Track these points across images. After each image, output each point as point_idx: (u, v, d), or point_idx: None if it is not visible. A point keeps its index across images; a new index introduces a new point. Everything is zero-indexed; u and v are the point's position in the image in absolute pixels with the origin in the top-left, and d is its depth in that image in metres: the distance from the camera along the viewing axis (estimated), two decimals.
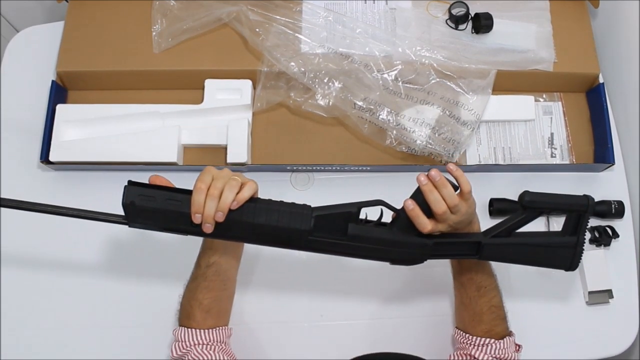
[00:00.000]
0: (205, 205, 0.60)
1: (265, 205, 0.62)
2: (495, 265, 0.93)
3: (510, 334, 0.76)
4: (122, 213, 0.62)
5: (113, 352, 0.87)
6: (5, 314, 0.88)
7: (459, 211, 0.64)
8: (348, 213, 0.64)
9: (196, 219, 0.60)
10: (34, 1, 1.19)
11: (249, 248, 0.77)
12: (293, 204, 0.64)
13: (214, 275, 0.73)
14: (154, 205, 0.61)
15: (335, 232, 0.64)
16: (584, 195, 0.66)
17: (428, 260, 0.67)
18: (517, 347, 0.77)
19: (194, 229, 0.62)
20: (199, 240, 0.74)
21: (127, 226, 0.63)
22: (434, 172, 0.63)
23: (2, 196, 0.83)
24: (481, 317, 0.75)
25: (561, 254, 0.69)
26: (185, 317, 0.74)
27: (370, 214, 0.66)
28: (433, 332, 0.88)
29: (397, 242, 0.66)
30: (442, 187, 0.63)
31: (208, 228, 0.60)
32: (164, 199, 0.61)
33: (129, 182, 0.61)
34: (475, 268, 0.75)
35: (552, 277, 0.92)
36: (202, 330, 0.73)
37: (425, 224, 0.64)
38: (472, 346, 0.74)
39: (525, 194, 0.64)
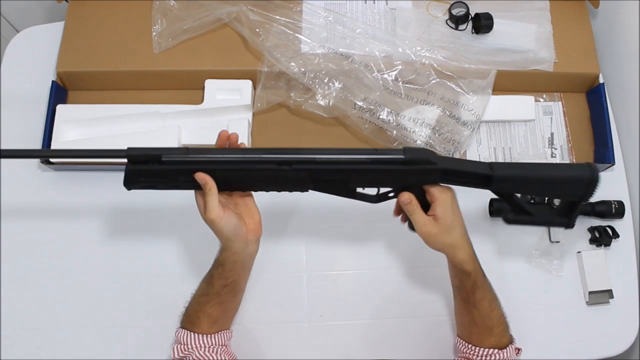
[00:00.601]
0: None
1: None
2: (495, 266, 0.93)
3: (511, 340, 0.76)
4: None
5: (113, 352, 0.87)
6: (5, 313, 0.88)
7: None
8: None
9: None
10: (34, 1, 1.19)
11: None
12: None
13: (228, 293, 0.72)
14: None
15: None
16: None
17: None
18: (518, 351, 0.77)
19: (198, 158, 0.64)
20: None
21: (126, 160, 0.65)
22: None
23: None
24: (492, 331, 0.74)
25: (576, 183, 0.69)
26: (190, 323, 0.74)
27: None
28: (432, 332, 0.88)
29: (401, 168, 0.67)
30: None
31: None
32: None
33: None
34: (482, 284, 0.73)
35: (552, 277, 0.92)
36: (204, 335, 0.73)
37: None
38: (476, 356, 0.74)
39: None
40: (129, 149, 0.63)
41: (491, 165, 0.69)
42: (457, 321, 0.81)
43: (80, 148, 0.65)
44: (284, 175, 0.65)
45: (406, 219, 0.72)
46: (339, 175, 0.67)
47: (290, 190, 0.68)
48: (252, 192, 0.71)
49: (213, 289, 0.71)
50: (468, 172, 0.69)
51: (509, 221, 0.74)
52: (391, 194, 0.71)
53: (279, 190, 0.68)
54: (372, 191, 0.70)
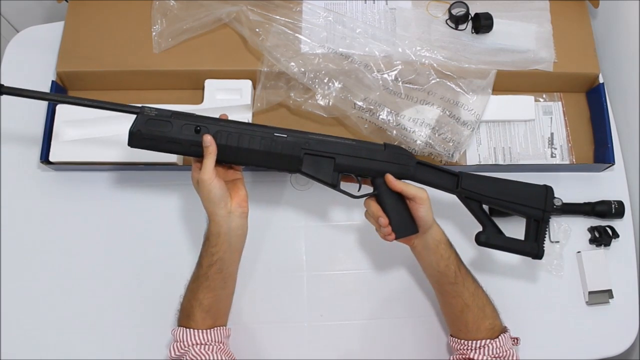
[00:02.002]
0: None
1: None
2: (495, 266, 0.93)
3: (505, 329, 0.76)
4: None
5: (112, 352, 0.87)
6: (5, 313, 0.89)
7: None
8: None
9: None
10: (34, 1, 1.19)
11: (248, 248, 0.77)
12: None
13: (216, 274, 0.73)
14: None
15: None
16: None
17: None
18: (515, 341, 0.78)
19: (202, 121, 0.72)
20: (200, 243, 0.74)
21: (138, 115, 0.71)
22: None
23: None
24: (484, 311, 0.76)
25: (536, 195, 0.79)
26: (185, 317, 0.74)
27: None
28: (432, 332, 0.88)
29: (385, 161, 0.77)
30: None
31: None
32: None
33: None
34: (461, 260, 0.78)
35: (552, 277, 0.92)
36: (200, 331, 0.73)
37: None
38: (470, 350, 0.74)
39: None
40: (143, 105, 0.72)
41: (459, 177, 0.79)
42: (449, 319, 0.81)
43: (94, 99, 0.71)
44: (279, 143, 0.72)
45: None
46: (328, 149, 0.74)
47: (281, 168, 0.74)
48: (242, 176, 0.76)
49: (202, 269, 0.73)
50: (439, 168, 0.79)
51: (480, 243, 0.79)
52: (371, 192, 0.77)
53: (271, 166, 0.74)
54: (354, 190, 0.77)
